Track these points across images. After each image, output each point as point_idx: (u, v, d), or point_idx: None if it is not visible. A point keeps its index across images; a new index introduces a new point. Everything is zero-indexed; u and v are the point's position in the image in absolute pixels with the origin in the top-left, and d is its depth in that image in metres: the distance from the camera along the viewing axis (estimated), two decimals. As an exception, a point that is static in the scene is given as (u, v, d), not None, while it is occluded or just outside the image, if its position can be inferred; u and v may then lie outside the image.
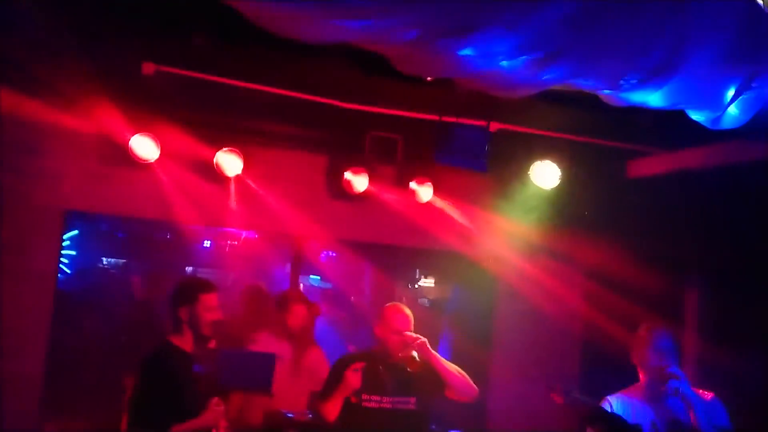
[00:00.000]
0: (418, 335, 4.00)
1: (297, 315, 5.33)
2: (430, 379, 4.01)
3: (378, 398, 3.96)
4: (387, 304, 4.20)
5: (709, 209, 5.17)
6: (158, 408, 3.52)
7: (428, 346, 3.99)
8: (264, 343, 5.29)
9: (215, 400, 3.69)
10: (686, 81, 2.50)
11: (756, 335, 5.05)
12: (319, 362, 5.44)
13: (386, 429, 3.95)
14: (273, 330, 5.40)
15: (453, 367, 4.05)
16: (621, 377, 3.80)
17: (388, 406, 3.96)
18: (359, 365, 3.88)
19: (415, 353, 3.97)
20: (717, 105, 2.73)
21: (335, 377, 3.97)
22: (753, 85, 2.55)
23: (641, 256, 5.44)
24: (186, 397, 3.61)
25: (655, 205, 5.43)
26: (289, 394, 5.23)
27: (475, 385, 4.08)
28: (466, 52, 2.33)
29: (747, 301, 5.12)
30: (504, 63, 2.42)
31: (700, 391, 3.66)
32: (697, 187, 5.12)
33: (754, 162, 4.60)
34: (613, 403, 3.67)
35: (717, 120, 2.88)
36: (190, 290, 3.75)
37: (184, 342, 3.71)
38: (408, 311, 4.12)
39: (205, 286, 3.81)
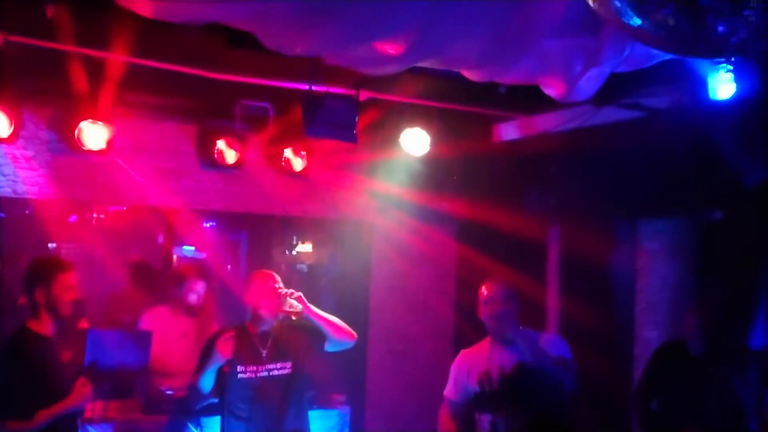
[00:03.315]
0: (292, 289, 4.01)
1: (195, 290, 5.13)
2: (309, 335, 4.03)
3: (254, 368, 3.95)
4: (253, 272, 4.20)
5: (565, 169, 5.54)
6: (19, 396, 3.39)
7: (304, 298, 3.99)
8: (161, 319, 5.12)
9: (81, 380, 3.57)
10: (536, 59, 2.67)
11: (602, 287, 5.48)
12: None
13: (265, 397, 3.94)
14: (171, 306, 5.22)
15: (330, 316, 4.08)
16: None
17: (265, 374, 3.96)
18: (229, 334, 3.84)
19: (294, 302, 3.96)
20: (566, 81, 2.92)
21: (207, 350, 3.92)
22: (599, 61, 2.75)
23: (505, 217, 5.73)
24: (49, 382, 3.48)
25: (518, 167, 5.74)
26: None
27: (352, 330, 4.12)
28: (328, 33, 2.37)
29: (601, 258, 5.52)
30: (364, 43, 2.47)
31: (542, 333, 4.00)
32: (554, 148, 5.47)
33: (602, 124, 4.96)
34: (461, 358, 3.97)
35: (567, 94, 3.08)
36: (45, 270, 3.56)
37: (43, 326, 3.54)
38: (275, 274, 4.09)
39: (61, 264, 3.64)
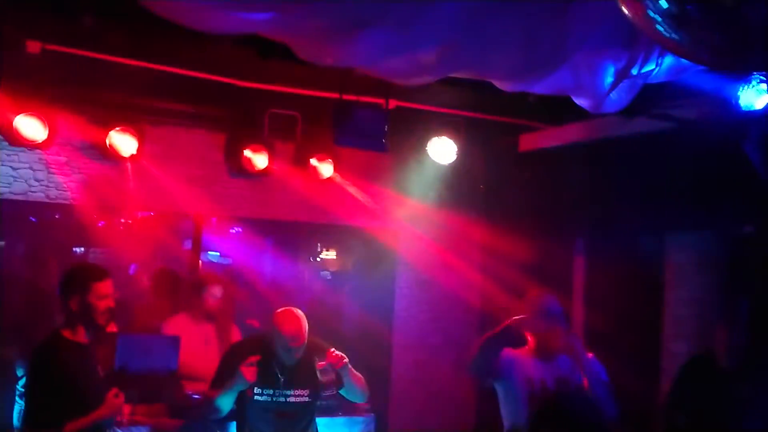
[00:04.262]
0: (342, 354, 3.92)
1: (213, 294, 5.23)
2: (332, 380, 4.02)
3: (271, 392, 3.91)
4: (278, 310, 3.94)
5: (593, 179, 5.51)
6: (50, 405, 3.33)
7: (350, 366, 3.94)
8: (182, 326, 5.19)
9: (113, 391, 3.49)
10: (569, 71, 2.67)
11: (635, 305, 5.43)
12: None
13: (281, 420, 3.93)
14: (192, 313, 5.30)
15: (359, 379, 4.06)
16: (517, 345, 4.01)
17: (281, 399, 3.93)
18: (254, 359, 3.79)
19: (332, 367, 3.92)
20: (598, 93, 2.92)
21: (228, 368, 3.86)
22: (630, 73, 2.75)
23: (532, 228, 5.72)
24: (81, 391, 3.41)
25: (545, 177, 5.71)
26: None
27: (367, 391, 4.11)
28: (362, 45, 2.39)
29: (628, 272, 5.48)
30: (399, 55, 2.49)
31: (585, 353, 3.95)
32: (579, 158, 5.44)
33: (631, 135, 4.93)
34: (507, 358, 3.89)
35: (598, 105, 3.08)
36: (81, 278, 3.47)
37: (77, 333, 3.47)
38: (300, 314, 3.90)
39: (97, 272, 3.53)
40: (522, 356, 3.90)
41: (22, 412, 3.58)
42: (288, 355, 3.87)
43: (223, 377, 3.90)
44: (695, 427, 4.14)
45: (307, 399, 3.98)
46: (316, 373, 3.98)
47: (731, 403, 4.03)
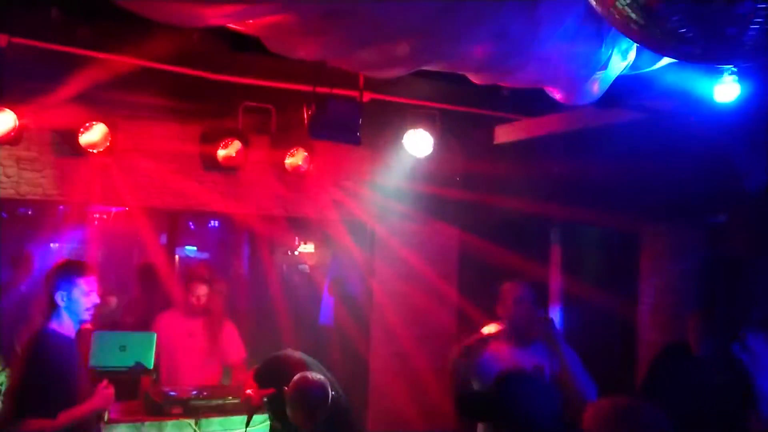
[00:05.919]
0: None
1: (197, 293, 5.27)
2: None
3: (280, 426, 3.89)
4: (298, 378, 3.56)
5: (568, 170, 5.53)
6: (43, 396, 3.40)
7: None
8: (170, 321, 5.28)
9: (104, 383, 3.61)
10: (541, 64, 2.67)
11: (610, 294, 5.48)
12: (230, 337, 5.46)
13: None
14: (180, 309, 5.37)
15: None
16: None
17: None
18: (267, 392, 3.83)
19: None
20: (571, 85, 2.92)
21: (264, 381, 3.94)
22: (603, 65, 2.75)
23: (508, 217, 5.73)
24: (71, 382, 3.51)
25: (520, 167, 5.73)
26: (205, 371, 5.28)
27: None
28: (332, 38, 2.36)
29: (604, 261, 5.53)
30: (369, 47, 2.47)
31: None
32: (555, 149, 5.46)
33: (607, 126, 4.95)
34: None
35: (571, 97, 3.08)
36: (67, 274, 3.60)
37: (64, 327, 3.57)
38: (317, 398, 3.50)
39: (83, 268, 3.67)
40: (498, 345, 3.93)
41: (8, 404, 3.59)
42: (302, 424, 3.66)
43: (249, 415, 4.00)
44: (669, 414, 4.19)
45: None
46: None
47: (705, 392, 4.07)
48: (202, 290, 5.29)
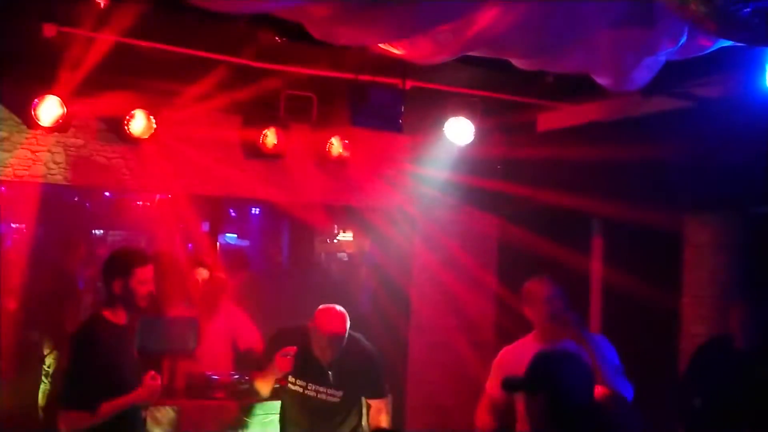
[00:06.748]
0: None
1: (194, 280, 5.31)
2: (366, 382, 4.07)
3: (303, 384, 3.97)
4: (321, 307, 3.92)
5: (611, 159, 5.45)
6: (87, 384, 3.41)
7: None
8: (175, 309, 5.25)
9: (151, 373, 3.59)
10: (589, 49, 2.63)
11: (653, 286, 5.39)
12: (239, 323, 5.48)
13: (309, 412, 4.01)
14: (183, 296, 5.39)
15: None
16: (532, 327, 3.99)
17: (312, 393, 3.97)
18: (291, 350, 3.85)
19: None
20: (619, 71, 2.88)
21: (268, 354, 3.99)
22: (653, 51, 2.70)
23: (550, 207, 5.67)
24: (118, 371, 3.52)
25: (563, 156, 5.66)
26: (205, 358, 5.25)
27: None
28: (377, 24, 2.36)
29: (647, 252, 5.44)
30: (414, 34, 2.46)
31: (593, 336, 3.91)
32: (599, 138, 5.38)
33: (651, 114, 4.87)
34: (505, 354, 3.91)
35: (619, 83, 3.04)
36: (124, 263, 3.61)
37: (117, 315, 3.60)
38: (342, 316, 3.89)
39: (140, 258, 3.68)
40: (525, 348, 3.88)
41: (47, 391, 3.67)
42: (324, 354, 3.87)
43: (263, 362, 4.03)
44: (711, 409, 4.12)
45: (338, 400, 3.98)
46: (354, 376, 3.96)
47: (747, 385, 4.00)
48: (200, 275, 5.30)
